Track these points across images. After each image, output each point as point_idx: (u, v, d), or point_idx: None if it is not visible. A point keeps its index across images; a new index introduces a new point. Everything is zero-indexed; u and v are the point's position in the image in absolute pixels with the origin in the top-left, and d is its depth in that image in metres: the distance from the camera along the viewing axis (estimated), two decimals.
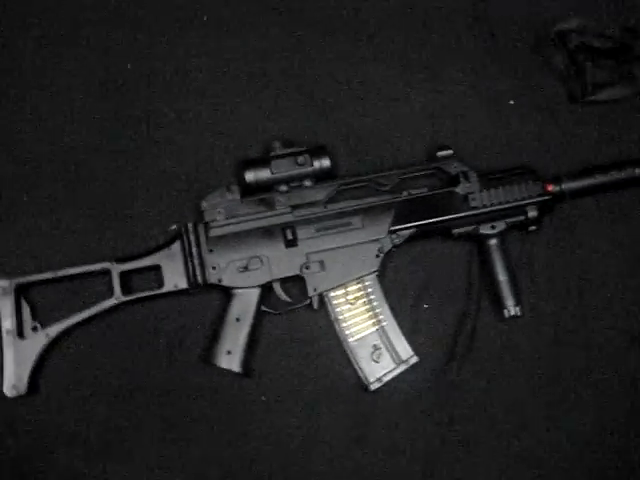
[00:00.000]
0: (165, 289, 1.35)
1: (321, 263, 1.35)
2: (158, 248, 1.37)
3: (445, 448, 1.38)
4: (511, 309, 1.38)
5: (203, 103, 1.51)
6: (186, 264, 1.36)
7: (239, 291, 1.35)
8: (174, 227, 1.42)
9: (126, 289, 1.36)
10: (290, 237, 1.36)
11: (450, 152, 1.42)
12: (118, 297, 1.35)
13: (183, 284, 1.35)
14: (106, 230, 1.44)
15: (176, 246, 1.37)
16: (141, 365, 1.40)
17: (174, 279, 1.36)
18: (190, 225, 1.37)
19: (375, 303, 1.36)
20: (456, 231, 1.40)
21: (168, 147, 1.49)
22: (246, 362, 1.34)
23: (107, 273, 1.36)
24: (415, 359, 1.35)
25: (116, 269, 1.36)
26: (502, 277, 1.39)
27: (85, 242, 1.44)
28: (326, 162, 1.37)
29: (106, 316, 1.38)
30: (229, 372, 1.33)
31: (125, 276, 1.36)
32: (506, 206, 1.39)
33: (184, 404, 1.39)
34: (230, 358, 1.32)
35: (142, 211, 1.45)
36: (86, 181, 1.47)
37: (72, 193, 1.46)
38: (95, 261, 1.37)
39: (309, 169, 1.37)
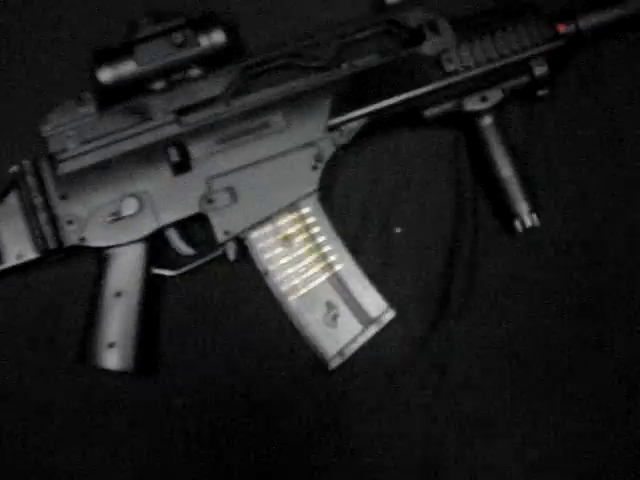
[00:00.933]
0: (6, 263, 0.90)
1: (231, 191, 0.89)
2: None
3: (449, 427, 0.95)
4: (525, 218, 0.93)
5: None
6: (29, 222, 0.90)
7: (114, 251, 0.89)
8: (14, 169, 0.94)
9: None
10: (178, 158, 0.89)
11: None
12: None
13: (30, 253, 0.90)
14: None
15: (12, 198, 0.91)
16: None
17: (16, 247, 0.90)
18: (27, 163, 0.90)
19: (321, 239, 0.90)
20: (429, 112, 0.93)
21: None
22: (140, 355, 0.89)
23: None
24: (391, 314, 0.90)
25: None
26: (506, 172, 0.94)
27: None
28: (218, 36, 0.89)
29: None
30: (117, 373, 0.89)
31: None
32: (500, 64, 0.92)
33: (76, 419, 0.95)
34: (114, 353, 0.88)
35: None
36: None
37: None
38: None
39: (194, 50, 0.89)
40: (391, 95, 0.91)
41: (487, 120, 0.93)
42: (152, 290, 0.91)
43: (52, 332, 0.95)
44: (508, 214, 0.94)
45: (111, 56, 0.89)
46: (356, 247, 0.92)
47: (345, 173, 0.97)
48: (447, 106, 0.93)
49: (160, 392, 0.94)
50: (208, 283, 0.95)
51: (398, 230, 0.96)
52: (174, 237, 0.91)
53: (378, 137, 0.96)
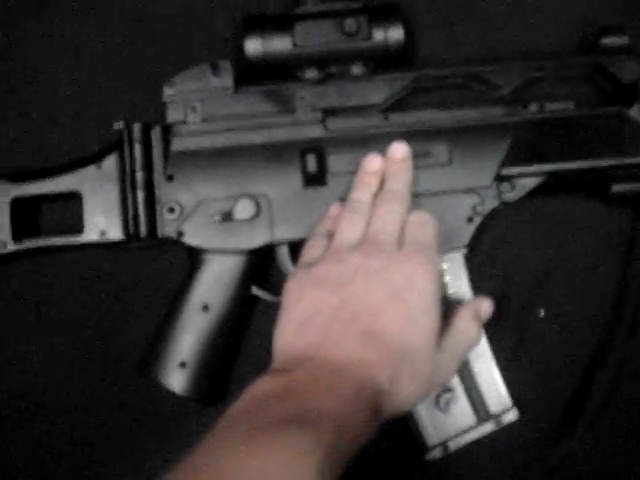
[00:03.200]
0: (84, 238, 0.76)
1: None
2: (81, 163, 0.77)
3: None
4: None
5: None
6: (124, 197, 0.76)
7: (213, 257, 0.75)
8: (119, 126, 0.80)
9: (27, 227, 0.78)
10: (314, 168, 0.74)
11: (625, 39, 0.77)
12: (4, 243, 0.77)
13: (116, 233, 0.76)
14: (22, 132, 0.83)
15: (110, 163, 0.76)
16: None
17: (101, 221, 0.76)
18: (138, 127, 0.76)
19: (456, 303, 0.76)
20: (618, 188, 0.76)
21: None
22: (211, 383, 0.75)
23: None
24: (513, 415, 0.74)
25: (5, 192, 0.76)
26: None
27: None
28: (397, 33, 0.73)
29: None
30: (182, 397, 0.75)
31: (24, 205, 0.78)
32: None
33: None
34: (183, 375, 0.73)
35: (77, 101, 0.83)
36: None
37: None
38: None
39: (365, 44, 0.74)
40: (582, 157, 0.74)
41: None
42: (244, 311, 0.77)
43: (108, 325, 0.81)
44: None
45: (266, 26, 0.74)
46: (488, 323, 0.75)
47: (493, 230, 0.81)
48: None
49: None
50: None
51: (542, 313, 0.81)
52: (285, 257, 0.76)
53: (545, 200, 0.80)
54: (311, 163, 0.74)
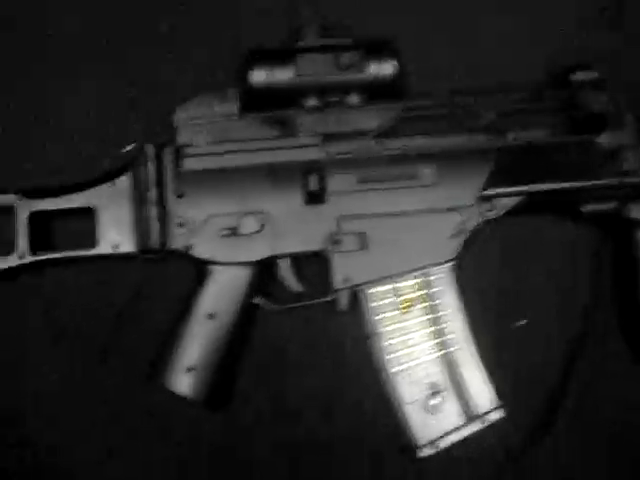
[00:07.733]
0: (98, 250, 0.81)
1: (361, 237, 0.81)
2: (95, 182, 0.83)
3: None
4: None
5: None
6: (137, 213, 0.82)
7: (219, 268, 0.81)
8: (131, 147, 0.86)
9: (41, 241, 0.83)
10: (315, 187, 0.81)
11: (594, 75, 0.86)
12: (22, 254, 0.82)
13: (128, 246, 0.81)
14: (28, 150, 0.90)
15: (124, 181, 0.82)
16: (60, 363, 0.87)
17: (114, 236, 0.81)
18: (150, 148, 0.82)
19: (443, 313, 0.82)
20: (587, 208, 0.84)
21: None
22: (217, 388, 0.80)
23: (10, 212, 0.83)
24: (499, 413, 0.80)
25: (23, 207, 0.82)
26: None
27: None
28: (389, 68, 0.81)
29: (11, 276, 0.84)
30: (189, 400, 0.80)
31: (39, 219, 0.83)
32: None
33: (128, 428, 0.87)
34: (191, 379, 0.79)
35: (90, 125, 0.90)
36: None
37: None
38: None
39: (360, 76, 0.81)
40: (556, 180, 0.82)
41: None
42: (247, 319, 0.83)
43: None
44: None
45: (270, 59, 0.82)
46: (474, 331, 0.81)
47: (476, 248, 0.87)
48: (609, 206, 0.84)
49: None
50: (306, 326, 0.87)
51: (522, 322, 0.88)
52: (286, 269, 0.83)
53: (520, 219, 0.87)
54: (313, 182, 0.81)
